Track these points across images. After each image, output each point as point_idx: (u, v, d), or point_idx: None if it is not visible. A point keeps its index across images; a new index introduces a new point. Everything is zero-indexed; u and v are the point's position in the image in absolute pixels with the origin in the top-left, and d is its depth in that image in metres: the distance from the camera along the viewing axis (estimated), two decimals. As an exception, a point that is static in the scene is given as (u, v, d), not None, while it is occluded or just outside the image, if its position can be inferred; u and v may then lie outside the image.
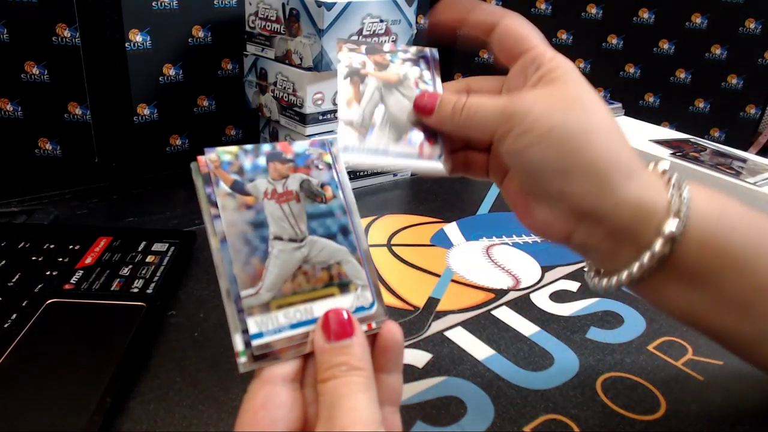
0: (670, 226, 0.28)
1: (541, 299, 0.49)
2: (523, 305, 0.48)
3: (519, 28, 0.33)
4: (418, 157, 0.35)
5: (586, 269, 0.34)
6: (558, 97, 0.30)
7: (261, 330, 0.25)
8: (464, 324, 0.45)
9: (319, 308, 0.27)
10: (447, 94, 0.34)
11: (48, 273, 0.44)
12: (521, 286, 0.51)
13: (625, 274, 0.29)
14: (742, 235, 0.29)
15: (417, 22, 0.75)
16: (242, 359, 0.25)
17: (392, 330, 0.27)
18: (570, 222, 0.30)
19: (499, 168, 0.35)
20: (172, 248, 0.49)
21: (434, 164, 0.35)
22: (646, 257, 0.28)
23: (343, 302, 0.27)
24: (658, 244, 0.28)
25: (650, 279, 0.29)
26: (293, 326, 0.26)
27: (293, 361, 0.26)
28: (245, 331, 0.25)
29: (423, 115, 0.34)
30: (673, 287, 0.29)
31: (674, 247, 0.28)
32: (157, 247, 0.49)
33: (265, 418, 0.24)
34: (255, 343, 0.25)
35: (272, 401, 0.25)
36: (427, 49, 0.38)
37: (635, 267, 0.29)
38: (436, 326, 0.45)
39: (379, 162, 0.34)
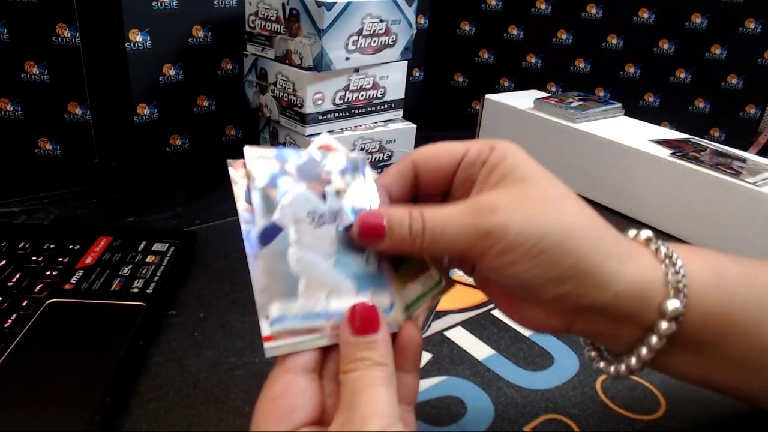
0: (673, 304, 0.27)
1: (541, 299, 0.49)
2: (523, 305, 0.48)
3: (430, 156, 0.30)
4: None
5: (587, 352, 0.32)
6: (528, 201, 0.27)
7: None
8: (464, 324, 0.45)
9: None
10: (395, 211, 0.27)
11: (48, 273, 0.44)
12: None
13: (634, 360, 0.28)
14: (742, 299, 0.28)
15: (417, 22, 0.75)
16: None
17: (411, 330, 0.28)
18: (568, 318, 0.28)
19: (469, 268, 0.31)
20: (172, 248, 0.49)
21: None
22: (653, 339, 0.27)
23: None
24: (663, 325, 0.27)
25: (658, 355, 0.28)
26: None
27: (314, 352, 0.26)
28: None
29: (371, 241, 0.27)
30: (680, 358, 0.28)
31: (679, 324, 0.27)
32: (157, 247, 0.49)
33: (284, 406, 0.24)
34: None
35: (292, 389, 0.25)
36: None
37: (644, 350, 0.28)
38: (436, 326, 0.45)
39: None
